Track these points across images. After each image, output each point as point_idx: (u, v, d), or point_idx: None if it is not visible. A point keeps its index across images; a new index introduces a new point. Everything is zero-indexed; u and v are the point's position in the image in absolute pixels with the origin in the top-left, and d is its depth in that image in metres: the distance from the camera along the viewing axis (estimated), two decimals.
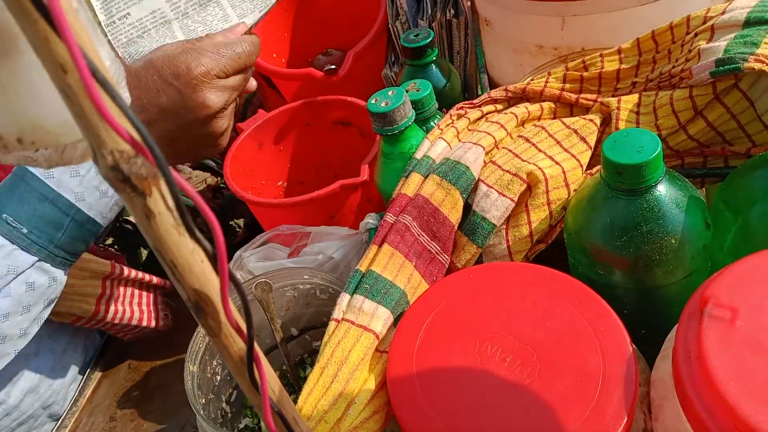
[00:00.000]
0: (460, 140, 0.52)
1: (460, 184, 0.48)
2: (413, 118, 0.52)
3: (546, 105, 0.54)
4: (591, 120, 0.50)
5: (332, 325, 0.42)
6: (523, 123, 0.54)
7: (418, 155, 0.52)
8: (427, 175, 0.50)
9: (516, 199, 0.47)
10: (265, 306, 0.52)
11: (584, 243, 0.44)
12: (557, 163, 0.48)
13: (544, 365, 0.37)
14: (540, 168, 0.47)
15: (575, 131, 0.50)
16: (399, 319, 0.43)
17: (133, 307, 0.72)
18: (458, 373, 0.37)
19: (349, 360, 0.39)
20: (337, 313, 0.43)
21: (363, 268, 0.45)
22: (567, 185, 0.47)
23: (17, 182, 0.53)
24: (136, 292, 0.73)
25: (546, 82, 0.56)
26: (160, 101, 0.52)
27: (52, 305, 0.57)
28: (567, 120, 0.51)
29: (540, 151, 0.49)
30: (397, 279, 0.44)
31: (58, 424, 0.71)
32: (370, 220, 0.52)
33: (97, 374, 0.77)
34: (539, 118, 0.54)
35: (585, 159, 0.49)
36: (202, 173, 0.83)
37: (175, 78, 0.51)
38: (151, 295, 0.75)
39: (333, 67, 0.74)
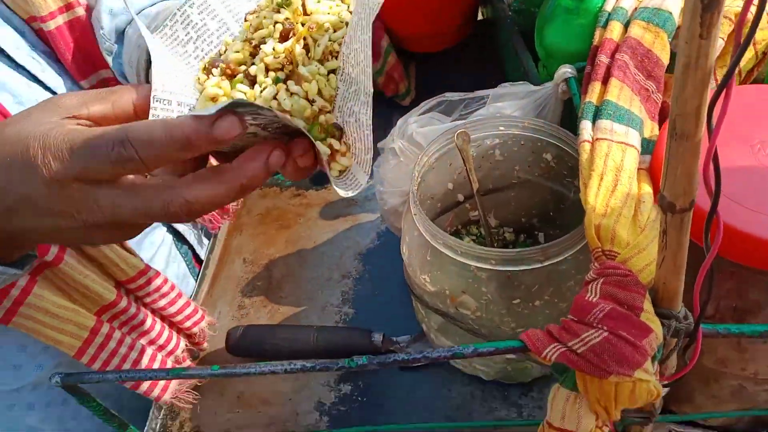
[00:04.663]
0: None
1: (667, 27, 0.49)
2: None
3: None
4: None
5: (586, 145, 0.43)
6: None
7: (608, 7, 0.53)
8: (627, 23, 0.51)
9: (726, 38, 0.49)
10: (464, 156, 0.52)
11: None
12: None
13: None
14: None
15: None
16: (645, 143, 0.44)
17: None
18: (741, 170, 0.39)
19: (624, 168, 0.41)
20: (585, 136, 0.44)
21: (594, 100, 0.46)
22: None
23: None
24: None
25: None
26: None
27: None
28: None
29: None
30: (632, 108, 0.46)
31: None
32: (567, 69, 0.53)
33: (211, 270, 0.75)
34: None
35: None
36: None
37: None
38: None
39: None
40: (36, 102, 0.53)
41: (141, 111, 0.40)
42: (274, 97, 0.40)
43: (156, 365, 0.58)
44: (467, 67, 0.91)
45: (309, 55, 0.41)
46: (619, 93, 0.46)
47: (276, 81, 0.41)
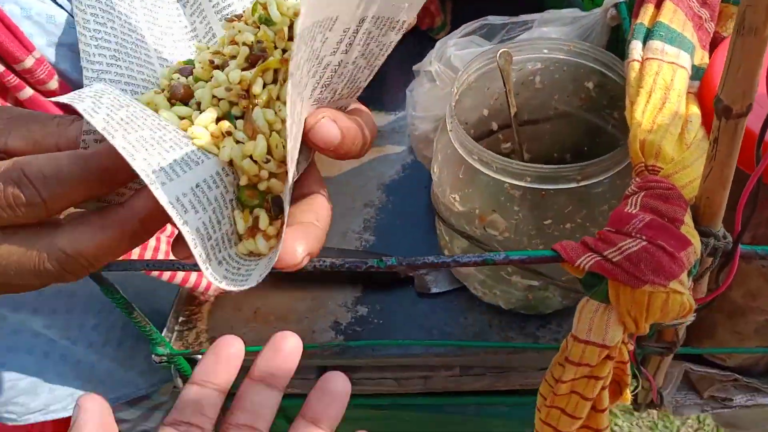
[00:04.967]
0: None
1: None
2: None
3: None
4: None
5: (635, 64, 0.42)
6: None
7: None
8: None
9: None
10: (504, 76, 0.51)
11: None
12: None
13: None
14: None
15: None
16: (694, 69, 0.43)
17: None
18: None
19: (674, 87, 0.39)
20: (634, 56, 0.42)
21: (646, 22, 0.45)
22: None
23: None
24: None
25: None
26: None
27: None
28: None
29: None
30: (685, 32, 0.44)
31: None
32: None
33: None
34: None
35: None
36: None
37: None
38: None
39: None
40: (47, 18, 0.51)
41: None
42: (218, 139, 0.31)
43: None
44: (506, 3, 0.88)
45: (276, 94, 0.31)
46: (673, 16, 0.45)
47: (226, 116, 0.32)
